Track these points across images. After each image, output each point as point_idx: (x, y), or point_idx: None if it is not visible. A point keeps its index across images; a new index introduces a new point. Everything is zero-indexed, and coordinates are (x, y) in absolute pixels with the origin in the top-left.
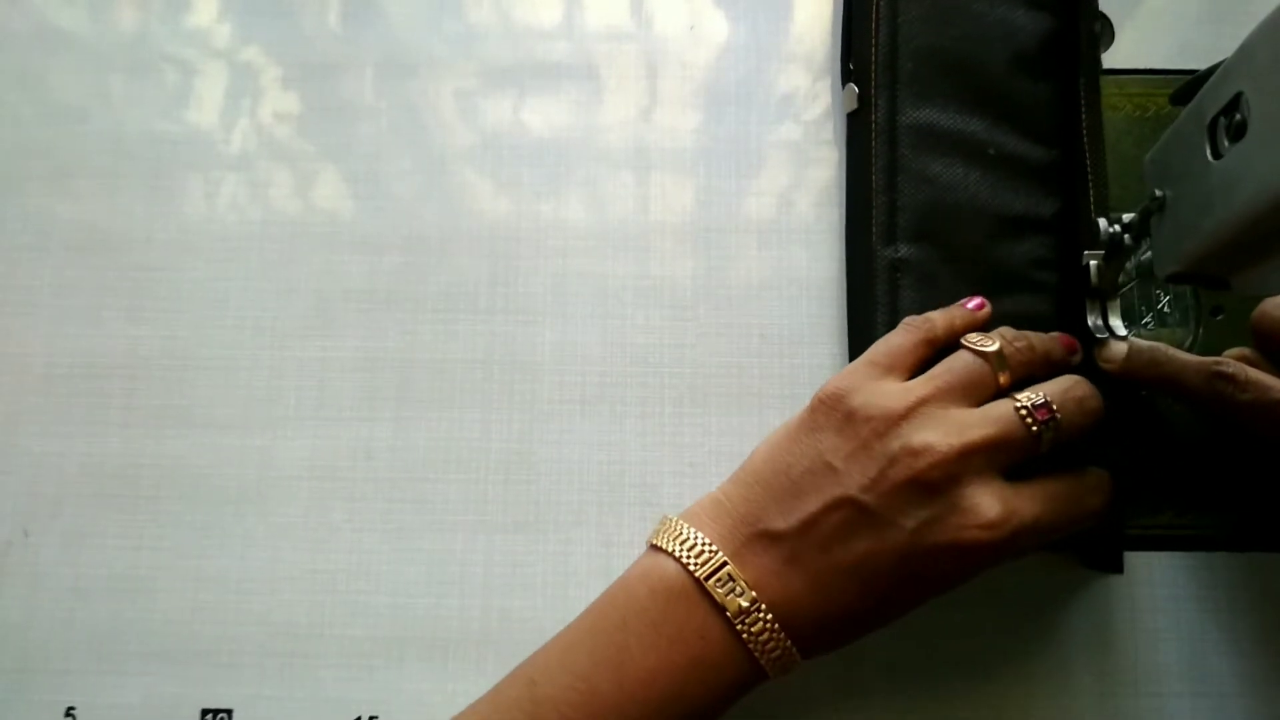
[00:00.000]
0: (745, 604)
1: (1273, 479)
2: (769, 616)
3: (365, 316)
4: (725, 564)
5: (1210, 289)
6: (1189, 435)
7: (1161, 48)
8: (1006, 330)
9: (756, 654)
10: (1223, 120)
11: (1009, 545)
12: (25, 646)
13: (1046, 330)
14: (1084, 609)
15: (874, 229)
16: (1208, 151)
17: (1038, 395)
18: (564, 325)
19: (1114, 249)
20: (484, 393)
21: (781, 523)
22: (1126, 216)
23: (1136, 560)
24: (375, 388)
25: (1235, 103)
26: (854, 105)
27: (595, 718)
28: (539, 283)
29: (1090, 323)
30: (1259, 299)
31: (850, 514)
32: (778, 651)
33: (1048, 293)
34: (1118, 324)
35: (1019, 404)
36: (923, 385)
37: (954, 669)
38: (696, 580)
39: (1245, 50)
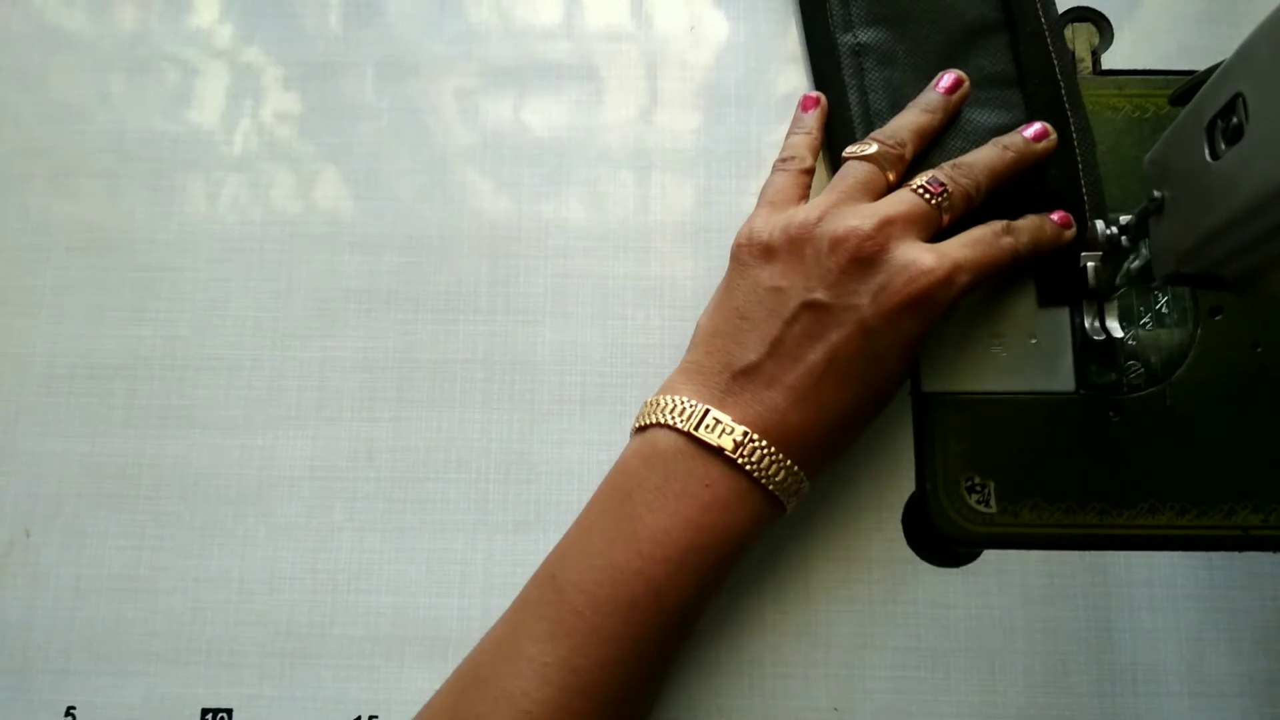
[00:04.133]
0: (739, 438)
1: None
2: (763, 442)
3: (365, 316)
4: (708, 410)
5: (1209, 289)
6: None
7: (1161, 48)
8: (880, 133)
9: (763, 481)
10: (1221, 122)
11: (951, 284)
12: (25, 646)
13: (1007, 88)
14: (1084, 609)
15: (830, 20)
16: (1206, 152)
17: (928, 176)
18: (564, 325)
19: (1112, 250)
20: (484, 393)
21: (752, 354)
22: (1125, 218)
23: (1136, 560)
24: (375, 388)
25: (1233, 104)
26: None
27: (620, 588)
28: (539, 283)
29: (1087, 324)
30: (1258, 299)
31: (811, 316)
32: (781, 474)
33: (1003, 54)
34: (1115, 325)
35: (913, 186)
36: (824, 197)
37: (954, 669)
38: (686, 434)
39: (1244, 52)
